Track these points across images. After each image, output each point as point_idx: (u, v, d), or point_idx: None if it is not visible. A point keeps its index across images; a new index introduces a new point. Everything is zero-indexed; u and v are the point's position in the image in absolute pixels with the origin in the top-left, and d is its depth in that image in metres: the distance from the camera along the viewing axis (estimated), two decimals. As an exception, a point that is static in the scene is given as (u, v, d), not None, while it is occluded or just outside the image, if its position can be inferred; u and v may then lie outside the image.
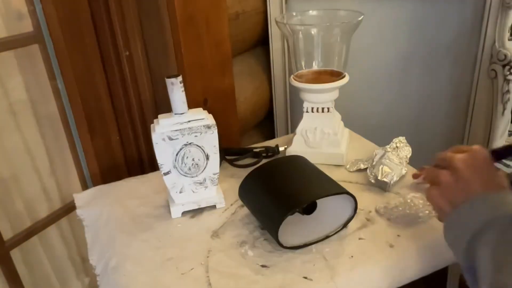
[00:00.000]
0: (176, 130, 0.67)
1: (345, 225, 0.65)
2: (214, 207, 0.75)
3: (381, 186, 0.75)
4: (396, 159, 0.78)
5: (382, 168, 0.75)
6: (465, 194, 0.50)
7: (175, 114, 0.68)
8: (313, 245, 0.63)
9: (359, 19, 0.78)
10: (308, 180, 0.66)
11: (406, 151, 0.81)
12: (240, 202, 0.74)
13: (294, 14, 0.88)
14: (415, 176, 0.74)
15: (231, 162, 0.88)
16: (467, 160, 0.52)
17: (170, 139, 0.68)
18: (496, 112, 1.02)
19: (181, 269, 0.61)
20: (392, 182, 0.74)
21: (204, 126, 0.68)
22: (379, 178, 0.74)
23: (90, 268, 0.69)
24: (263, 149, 0.90)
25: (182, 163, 0.70)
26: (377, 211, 0.70)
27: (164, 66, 0.92)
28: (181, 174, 0.71)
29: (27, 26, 0.82)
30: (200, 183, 0.73)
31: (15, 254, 0.90)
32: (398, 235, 0.64)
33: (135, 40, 0.91)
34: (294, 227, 0.64)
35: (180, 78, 0.66)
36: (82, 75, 0.89)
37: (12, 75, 0.87)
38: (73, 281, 1.10)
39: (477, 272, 0.45)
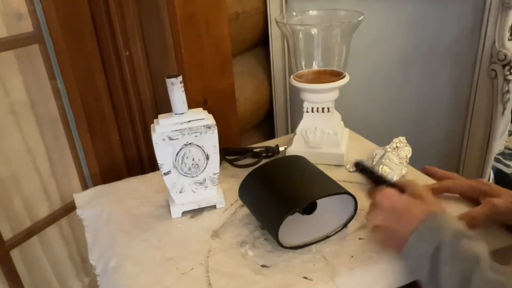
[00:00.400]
0: (176, 130, 0.67)
1: (345, 225, 0.65)
2: (214, 207, 0.75)
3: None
4: (396, 159, 0.78)
5: (382, 168, 0.75)
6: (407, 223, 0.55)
7: (175, 114, 0.68)
8: (313, 245, 0.63)
9: (359, 19, 0.78)
10: (308, 180, 0.66)
11: (406, 151, 0.81)
12: (240, 202, 0.74)
13: (294, 14, 0.88)
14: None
15: (231, 162, 0.88)
16: (382, 216, 0.58)
17: (170, 139, 0.68)
18: (496, 112, 1.02)
19: (181, 269, 0.61)
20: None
21: (204, 126, 0.68)
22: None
23: (90, 268, 0.69)
24: (263, 149, 0.90)
25: (182, 163, 0.70)
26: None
27: (164, 66, 0.92)
28: (181, 174, 0.71)
29: (27, 26, 0.82)
30: (200, 183, 0.73)
31: (15, 254, 0.90)
32: (398, 235, 0.64)
33: (135, 40, 0.91)
34: (294, 227, 0.64)
35: (180, 78, 0.66)
36: (82, 75, 0.89)
37: (12, 75, 0.87)
38: (73, 281, 1.10)
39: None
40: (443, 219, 0.53)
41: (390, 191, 0.58)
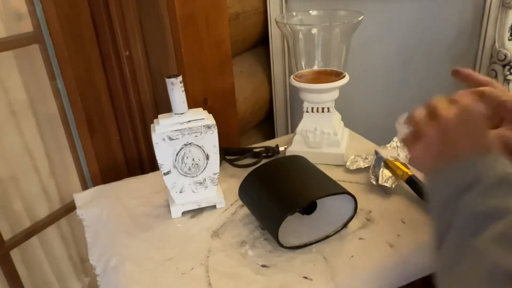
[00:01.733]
0: (176, 130, 0.67)
1: (345, 225, 0.65)
2: (214, 207, 0.75)
3: (382, 189, 0.75)
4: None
5: (382, 172, 0.75)
6: (451, 154, 0.47)
7: (175, 114, 0.68)
8: (313, 245, 0.63)
9: (359, 19, 0.78)
10: (308, 180, 0.66)
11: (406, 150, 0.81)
12: (240, 202, 0.74)
13: (294, 14, 0.88)
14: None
15: (231, 162, 0.88)
16: (460, 115, 0.47)
17: (170, 139, 0.68)
18: (496, 112, 1.02)
19: (181, 269, 0.61)
20: (393, 186, 0.73)
21: (204, 126, 0.68)
22: (379, 182, 0.74)
23: (90, 268, 0.69)
24: (263, 149, 0.90)
25: (182, 163, 0.70)
26: None
27: (164, 66, 0.92)
28: (181, 174, 0.71)
29: (27, 26, 0.82)
30: (200, 183, 0.73)
31: (15, 254, 0.90)
32: (398, 235, 0.64)
33: (135, 40, 0.91)
34: (294, 227, 0.64)
35: (180, 78, 0.66)
36: (82, 75, 0.89)
37: (12, 75, 0.87)
38: (73, 281, 1.10)
39: (450, 229, 0.43)
40: (493, 163, 0.44)
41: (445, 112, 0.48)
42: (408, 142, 0.53)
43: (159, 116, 0.69)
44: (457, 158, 0.45)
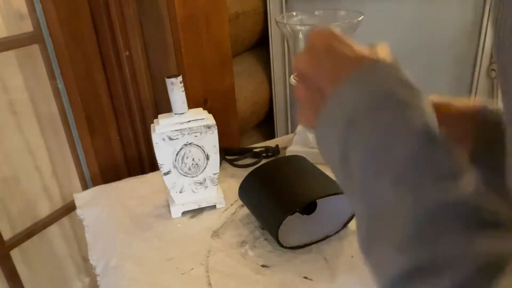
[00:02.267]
0: (176, 130, 0.67)
1: (345, 225, 0.65)
2: (214, 207, 0.75)
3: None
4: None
5: None
6: (321, 97, 0.37)
7: (175, 114, 0.68)
8: (313, 245, 0.63)
9: (359, 19, 0.78)
10: (308, 180, 0.66)
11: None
12: (240, 202, 0.74)
13: (294, 14, 0.88)
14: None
15: (231, 162, 0.88)
16: (306, 59, 0.39)
17: (170, 139, 0.68)
18: (496, 112, 1.02)
19: (181, 269, 0.61)
20: None
21: (204, 126, 0.68)
22: None
23: (90, 268, 0.69)
24: (263, 149, 0.90)
25: (182, 163, 0.70)
26: None
27: (164, 66, 0.92)
28: (181, 174, 0.71)
29: (27, 26, 0.82)
30: (200, 183, 0.73)
31: (15, 254, 0.90)
32: (398, 235, 0.64)
33: (135, 40, 0.91)
34: (294, 227, 0.64)
35: (180, 78, 0.66)
36: (82, 75, 0.89)
37: (12, 75, 0.88)
38: (73, 281, 1.10)
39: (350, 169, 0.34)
40: (387, 71, 0.34)
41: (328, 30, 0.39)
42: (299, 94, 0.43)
43: (159, 116, 0.69)
44: (332, 94, 0.36)
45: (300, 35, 0.83)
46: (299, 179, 0.66)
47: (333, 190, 0.63)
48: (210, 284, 0.58)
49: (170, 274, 0.60)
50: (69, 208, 0.99)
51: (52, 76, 0.88)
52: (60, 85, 0.89)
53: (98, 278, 0.66)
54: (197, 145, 0.69)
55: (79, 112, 0.91)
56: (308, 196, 0.62)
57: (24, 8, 0.82)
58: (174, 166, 0.70)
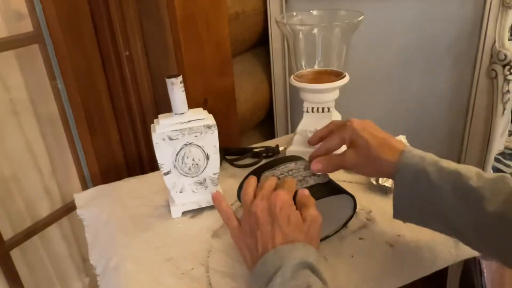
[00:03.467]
0: (176, 130, 0.67)
1: (345, 225, 0.65)
2: (214, 207, 0.75)
3: (382, 189, 0.75)
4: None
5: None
6: (262, 247, 0.51)
7: (175, 114, 0.68)
8: (313, 245, 0.63)
9: (359, 19, 0.78)
10: (308, 180, 0.66)
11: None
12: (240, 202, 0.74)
13: (294, 14, 0.88)
14: None
15: (231, 162, 0.88)
16: (266, 207, 0.53)
17: (170, 139, 0.68)
18: (496, 112, 1.02)
19: (181, 269, 0.61)
20: (393, 186, 0.73)
21: (204, 126, 0.68)
22: (379, 182, 0.74)
23: (90, 268, 0.69)
24: (263, 149, 0.90)
25: (182, 163, 0.70)
26: None
27: (164, 66, 0.92)
28: (181, 174, 0.71)
29: (27, 26, 0.82)
30: (200, 183, 0.73)
31: (15, 254, 0.90)
32: (398, 235, 0.64)
33: (135, 40, 0.91)
34: (294, 227, 0.64)
35: (180, 78, 0.66)
36: (82, 75, 0.89)
37: (12, 75, 0.87)
38: (73, 281, 1.10)
39: None
40: (289, 252, 0.48)
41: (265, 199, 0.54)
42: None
43: (159, 116, 0.69)
44: (261, 255, 0.50)
45: (300, 35, 0.83)
46: (299, 179, 0.66)
47: (333, 190, 0.63)
48: (210, 284, 0.58)
49: (170, 274, 0.60)
50: (69, 208, 0.99)
51: (52, 76, 0.88)
52: (60, 85, 0.89)
53: (98, 278, 0.66)
54: (197, 145, 0.69)
55: (79, 112, 0.91)
56: (308, 196, 0.62)
57: (24, 8, 0.82)
58: (174, 166, 0.70)
